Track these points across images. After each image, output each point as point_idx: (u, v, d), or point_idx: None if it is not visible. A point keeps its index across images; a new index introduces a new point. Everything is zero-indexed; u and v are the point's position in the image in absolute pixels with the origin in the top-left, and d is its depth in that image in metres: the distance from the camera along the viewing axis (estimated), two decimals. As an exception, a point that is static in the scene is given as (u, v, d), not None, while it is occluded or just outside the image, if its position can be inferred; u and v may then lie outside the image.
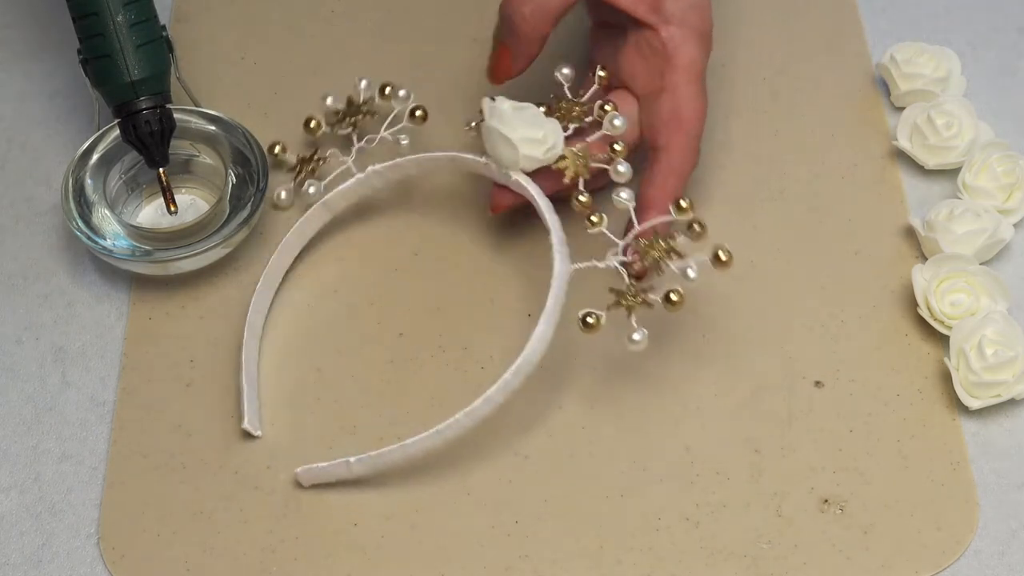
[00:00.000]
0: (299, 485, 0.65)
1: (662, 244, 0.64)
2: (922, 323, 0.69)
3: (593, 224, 0.65)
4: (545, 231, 0.66)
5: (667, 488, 0.65)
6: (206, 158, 0.72)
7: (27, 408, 0.67)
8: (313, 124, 0.73)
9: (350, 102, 0.73)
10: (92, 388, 0.68)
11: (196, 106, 0.73)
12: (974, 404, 0.66)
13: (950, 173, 0.74)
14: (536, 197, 0.67)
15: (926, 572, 0.63)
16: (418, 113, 0.73)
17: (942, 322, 0.68)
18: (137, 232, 0.70)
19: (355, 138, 0.73)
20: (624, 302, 0.64)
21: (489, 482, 0.65)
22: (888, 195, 0.74)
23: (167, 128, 0.70)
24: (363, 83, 0.73)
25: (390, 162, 0.71)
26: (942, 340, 0.68)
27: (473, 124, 0.70)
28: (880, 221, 0.73)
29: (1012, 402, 0.67)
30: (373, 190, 0.72)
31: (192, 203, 0.73)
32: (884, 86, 0.78)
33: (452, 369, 0.68)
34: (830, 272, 0.71)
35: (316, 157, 0.73)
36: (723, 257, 0.63)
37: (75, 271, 0.72)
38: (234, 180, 0.71)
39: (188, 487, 0.65)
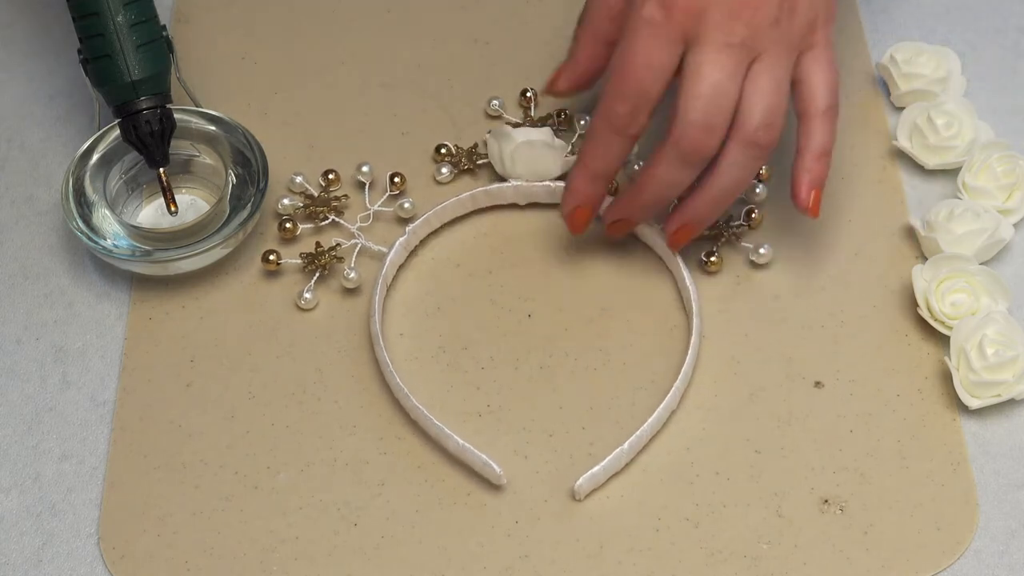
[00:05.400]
0: (576, 498, 0.64)
1: None
2: (922, 323, 0.69)
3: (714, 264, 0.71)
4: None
5: (667, 488, 0.65)
6: (206, 158, 0.72)
7: (27, 408, 0.67)
8: (289, 225, 0.71)
9: (309, 196, 0.72)
10: (92, 388, 0.68)
11: (196, 106, 0.73)
12: (974, 404, 0.66)
13: (950, 173, 0.74)
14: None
15: (926, 572, 0.63)
16: (396, 179, 0.73)
17: (942, 322, 0.68)
18: (137, 232, 0.70)
19: (342, 220, 0.72)
20: (723, 233, 0.71)
21: (489, 482, 0.64)
22: (888, 195, 0.74)
23: (167, 128, 0.70)
24: (298, 178, 0.73)
25: (422, 218, 0.71)
26: (942, 340, 0.68)
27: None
28: (880, 221, 0.73)
29: (1012, 402, 0.67)
30: (419, 240, 0.72)
31: (192, 203, 0.73)
32: (884, 86, 0.78)
33: (453, 369, 0.68)
34: (830, 272, 0.71)
35: (329, 248, 0.70)
36: (762, 171, 0.73)
37: (75, 271, 0.72)
38: (234, 180, 0.71)
39: (188, 487, 0.65)
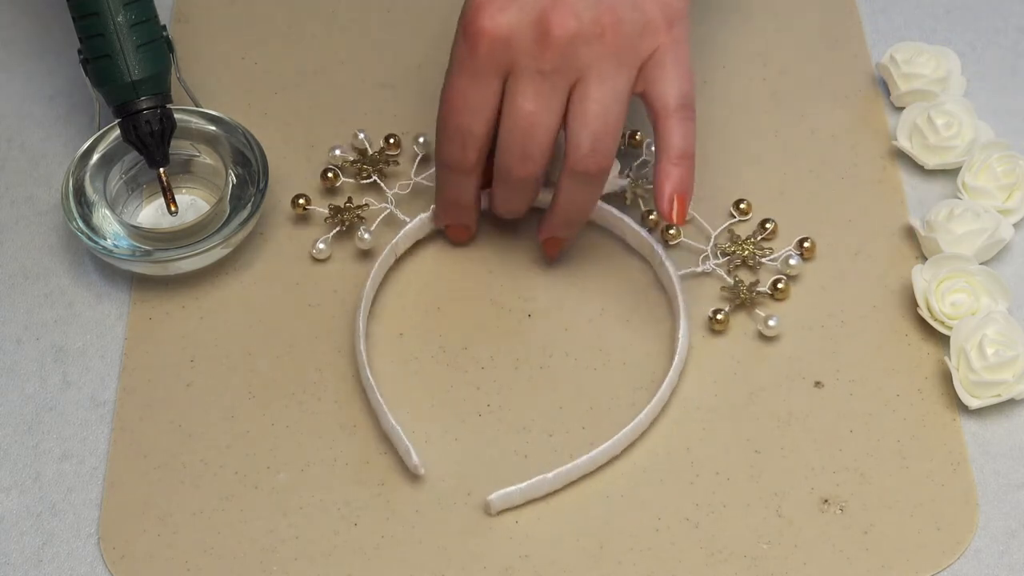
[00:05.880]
0: (488, 512, 0.64)
1: (745, 244, 0.70)
2: (922, 323, 0.69)
3: (673, 237, 0.71)
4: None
5: (667, 488, 0.65)
6: (206, 158, 0.72)
7: (27, 408, 0.67)
8: (331, 175, 0.72)
9: (363, 153, 0.73)
10: (92, 388, 0.68)
11: (196, 106, 0.73)
12: (974, 403, 0.66)
13: (950, 173, 0.74)
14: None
15: (926, 572, 0.63)
16: None
17: (942, 322, 0.68)
18: (137, 232, 0.70)
19: (383, 184, 0.73)
20: (741, 296, 0.69)
21: (489, 482, 0.64)
22: (888, 195, 0.74)
23: (167, 128, 0.70)
24: (361, 135, 0.73)
25: None
26: (942, 340, 0.68)
27: None
28: (880, 221, 0.73)
29: (1012, 402, 0.67)
30: (434, 228, 0.72)
31: (192, 203, 0.73)
32: (884, 86, 0.78)
33: (453, 370, 0.68)
34: (830, 272, 0.71)
35: (356, 206, 0.71)
36: (807, 244, 0.71)
37: (75, 271, 0.72)
38: (234, 180, 0.71)
39: (188, 487, 0.65)
